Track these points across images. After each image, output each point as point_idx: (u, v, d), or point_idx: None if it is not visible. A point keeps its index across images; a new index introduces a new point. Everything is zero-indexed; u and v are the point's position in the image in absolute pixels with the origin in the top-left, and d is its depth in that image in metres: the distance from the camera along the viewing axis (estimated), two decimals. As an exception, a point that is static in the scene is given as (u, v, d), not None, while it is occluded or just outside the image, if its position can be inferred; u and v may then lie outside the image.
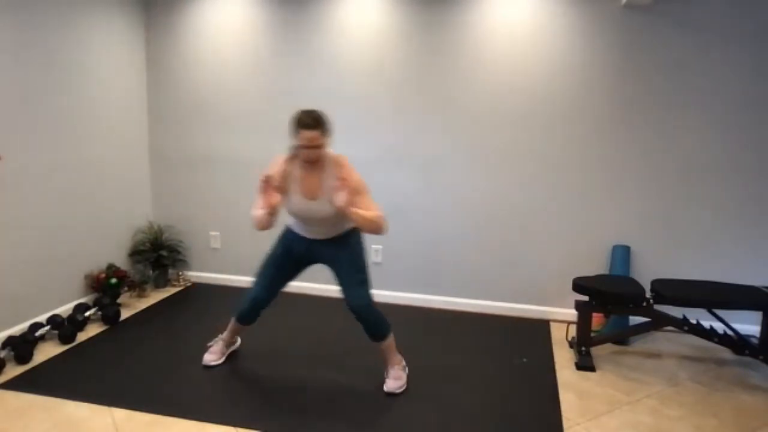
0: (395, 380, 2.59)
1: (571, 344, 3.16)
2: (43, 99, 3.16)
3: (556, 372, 2.83)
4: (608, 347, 3.17)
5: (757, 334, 3.02)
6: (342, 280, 2.53)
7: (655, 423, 2.37)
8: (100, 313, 3.31)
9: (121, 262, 3.86)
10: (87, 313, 3.25)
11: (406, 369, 2.70)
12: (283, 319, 3.44)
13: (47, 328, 3.03)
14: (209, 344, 2.93)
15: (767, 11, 3.07)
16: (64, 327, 3.05)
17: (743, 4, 3.08)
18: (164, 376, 2.70)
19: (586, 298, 3.01)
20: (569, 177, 3.45)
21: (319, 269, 3.06)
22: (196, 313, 3.55)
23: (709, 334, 2.87)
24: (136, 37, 3.89)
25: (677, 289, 2.87)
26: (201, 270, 4.19)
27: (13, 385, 2.58)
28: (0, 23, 2.86)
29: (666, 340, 3.28)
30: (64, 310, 3.35)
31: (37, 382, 2.62)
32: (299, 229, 2.60)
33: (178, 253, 4.11)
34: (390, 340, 2.61)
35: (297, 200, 2.45)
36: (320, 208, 2.43)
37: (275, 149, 3.85)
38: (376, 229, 2.37)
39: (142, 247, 3.96)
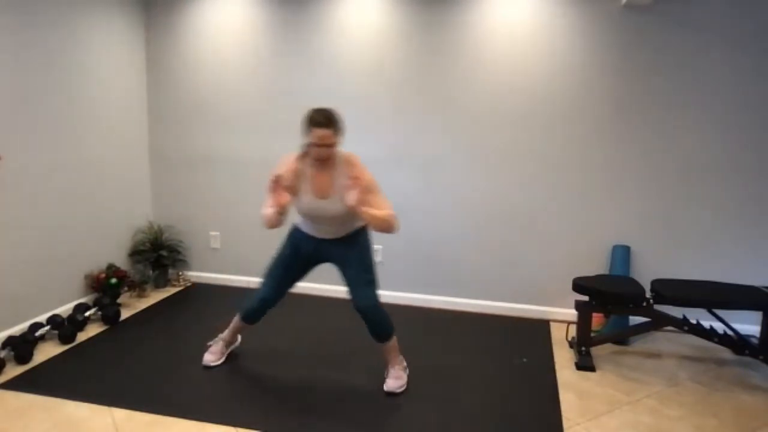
0: (396, 380, 2.59)
1: (571, 344, 3.16)
2: (43, 99, 3.16)
3: (556, 372, 2.83)
4: (608, 347, 3.17)
5: (757, 334, 3.02)
6: (349, 279, 2.52)
7: (655, 423, 2.37)
8: (100, 313, 3.31)
9: (121, 262, 3.86)
10: (87, 313, 3.25)
11: (407, 369, 2.70)
12: (283, 319, 3.43)
13: (47, 328, 3.03)
14: (209, 343, 2.93)
15: (767, 11, 3.07)
16: (64, 327, 3.05)
17: (743, 4, 3.08)
18: (164, 376, 2.70)
19: (586, 298, 3.01)
20: (569, 177, 3.45)
21: (320, 269, 3.05)
22: (196, 313, 3.55)
23: (709, 334, 2.87)
24: (136, 37, 3.89)
25: (677, 289, 2.87)
26: (201, 270, 4.19)
27: (13, 385, 2.58)
28: (0, 23, 2.86)
29: (666, 340, 3.28)
30: (64, 310, 3.35)
31: (37, 382, 2.62)
32: (308, 229, 2.59)
33: (178, 253, 4.11)
34: (393, 341, 2.61)
35: (307, 199, 2.44)
36: (330, 206, 2.42)
37: (275, 149, 3.85)
38: (388, 227, 2.37)
39: (142, 247, 3.96)
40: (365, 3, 3.57)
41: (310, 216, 2.49)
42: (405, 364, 2.71)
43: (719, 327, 3.05)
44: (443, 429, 2.29)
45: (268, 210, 2.37)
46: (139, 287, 3.77)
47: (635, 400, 2.57)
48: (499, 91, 3.45)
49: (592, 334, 3.01)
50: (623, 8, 3.22)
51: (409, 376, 2.69)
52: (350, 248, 2.54)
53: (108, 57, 3.63)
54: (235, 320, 2.80)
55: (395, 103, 3.62)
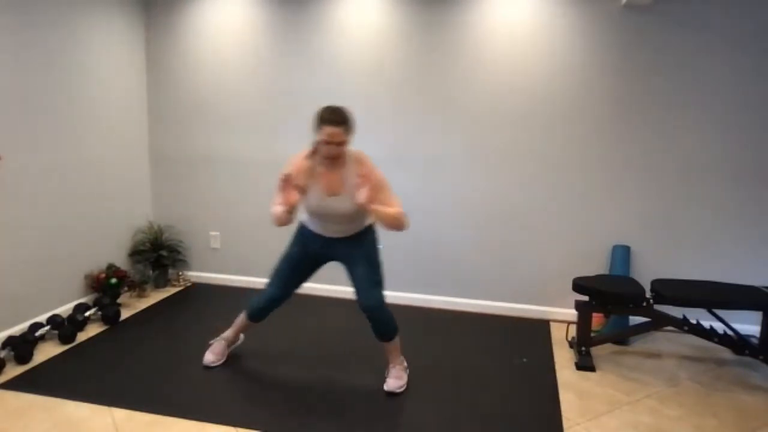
0: (396, 380, 2.59)
1: (571, 344, 3.16)
2: (43, 99, 3.16)
3: (556, 372, 2.83)
4: (608, 347, 3.17)
5: (757, 334, 3.02)
6: (356, 279, 2.52)
7: (655, 423, 2.37)
8: (100, 313, 3.31)
9: (121, 262, 3.86)
10: (87, 313, 3.25)
11: (407, 370, 2.71)
12: (284, 319, 3.43)
13: (47, 328, 3.03)
14: (211, 342, 2.92)
15: (767, 11, 3.07)
16: (64, 327, 3.05)
17: (743, 4, 3.08)
18: (164, 376, 2.70)
19: (586, 298, 3.01)
20: (569, 177, 3.45)
21: (321, 269, 3.05)
22: (196, 313, 3.55)
23: (709, 334, 2.87)
24: (136, 37, 3.89)
25: (677, 289, 2.87)
26: (201, 270, 4.19)
27: (13, 385, 2.58)
28: (0, 23, 2.86)
29: (666, 340, 3.28)
30: (64, 310, 3.35)
31: (37, 382, 2.62)
32: (315, 227, 2.58)
33: (178, 253, 4.11)
34: (396, 341, 2.62)
35: (316, 197, 2.43)
36: (339, 205, 2.42)
37: (275, 149, 3.86)
38: (398, 225, 2.37)
39: (142, 247, 3.96)
40: (365, 3, 3.57)
41: (318, 214, 2.48)
42: (405, 364, 2.71)
43: (719, 327, 3.05)
44: (443, 429, 2.29)
45: (278, 208, 2.36)
46: (139, 287, 3.77)
47: (635, 400, 2.57)
48: (499, 91, 3.45)
49: (592, 334, 3.01)
50: (623, 8, 3.22)
51: (409, 376, 2.69)
52: (357, 247, 2.54)
53: (108, 57, 3.63)
54: (241, 318, 2.79)
55: (395, 103, 3.62)
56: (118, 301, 3.60)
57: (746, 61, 3.12)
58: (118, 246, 3.84)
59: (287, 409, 2.42)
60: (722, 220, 3.28)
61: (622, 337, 3.13)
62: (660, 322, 2.90)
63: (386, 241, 3.77)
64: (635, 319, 3.20)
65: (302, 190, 2.41)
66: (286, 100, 3.79)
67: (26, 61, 3.03)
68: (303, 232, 2.65)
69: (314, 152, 2.45)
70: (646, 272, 3.40)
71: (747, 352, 2.83)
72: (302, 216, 2.64)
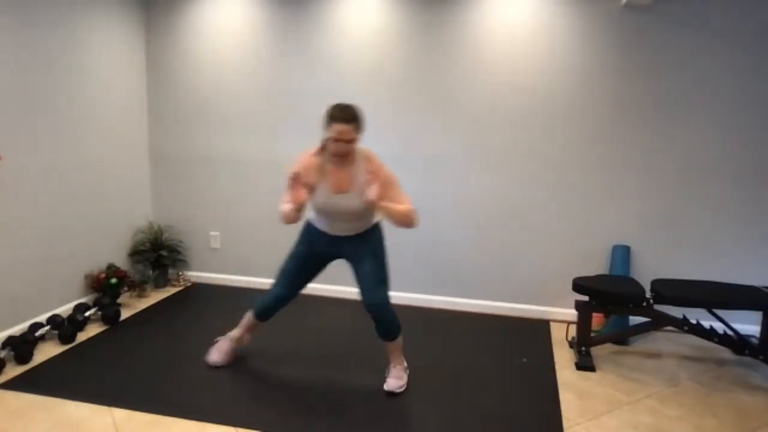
0: (397, 379, 2.59)
1: (571, 344, 3.16)
2: (43, 99, 3.16)
3: (556, 372, 2.83)
4: (608, 347, 3.17)
5: (757, 334, 3.02)
6: (361, 277, 2.51)
7: (655, 423, 2.37)
8: (100, 313, 3.31)
9: (121, 262, 3.86)
10: (87, 313, 3.25)
11: (407, 370, 2.70)
12: (284, 319, 3.43)
13: (47, 328, 3.03)
14: (218, 339, 2.90)
15: (767, 11, 3.07)
16: (64, 327, 3.05)
17: (743, 4, 3.08)
18: (164, 376, 2.70)
19: (586, 298, 3.01)
20: (569, 177, 3.45)
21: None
22: (196, 313, 3.55)
23: (709, 334, 2.87)
24: (136, 37, 3.89)
25: (677, 289, 2.87)
26: (201, 270, 4.19)
27: (13, 385, 2.58)
28: (0, 23, 2.86)
29: (666, 340, 3.28)
30: (64, 310, 3.35)
31: (37, 382, 2.62)
32: (322, 225, 2.57)
33: (178, 253, 4.11)
34: (399, 341, 2.62)
35: (324, 194, 2.42)
36: (347, 202, 2.41)
37: (275, 149, 3.86)
38: (408, 222, 2.36)
39: (142, 247, 3.96)
40: (365, 3, 3.57)
41: (326, 211, 2.47)
42: (406, 364, 2.71)
43: (719, 327, 3.05)
44: (443, 429, 2.29)
45: (285, 206, 2.35)
46: (139, 287, 3.77)
47: (635, 400, 2.57)
48: (499, 91, 3.45)
49: (592, 334, 3.01)
50: (623, 8, 3.22)
51: (409, 376, 2.69)
52: (364, 246, 2.54)
53: (108, 57, 3.63)
54: (247, 318, 2.78)
55: (395, 103, 3.62)
56: (118, 301, 3.60)
57: (746, 61, 3.12)
58: (118, 246, 3.84)
59: (287, 408, 2.42)
60: (722, 220, 3.28)
61: (622, 337, 3.13)
62: (660, 322, 2.90)
63: (386, 242, 3.77)
64: (635, 319, 3.20)
65: (310, 188, 2.40)
66: (286, 100, 3.79)
67: (26, 61, 3.03)
68: (309, 230, 2.64)
69: (323, 149, 2.43)
70: (646, 272, 3.40)
71: (747, 352, 2.83)
72: (309, 214, 2.63)
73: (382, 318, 2.49)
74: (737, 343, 2.85)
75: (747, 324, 3.24)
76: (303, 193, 2.30)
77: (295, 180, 2.30)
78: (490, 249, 3.63)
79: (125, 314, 3.49)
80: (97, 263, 3.63)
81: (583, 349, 2.93)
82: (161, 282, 4.02)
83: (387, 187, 2.34)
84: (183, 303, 3.75)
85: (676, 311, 3.23)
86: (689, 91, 3.22)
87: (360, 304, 2.46)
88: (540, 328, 3.44)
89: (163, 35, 3.94)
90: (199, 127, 3.99)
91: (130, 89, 3.87)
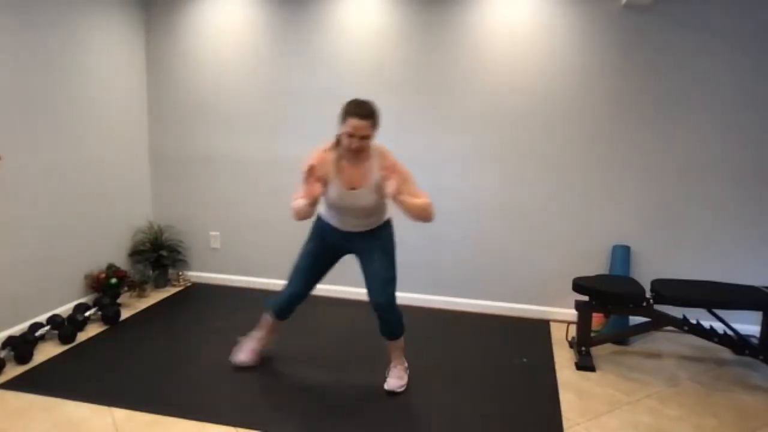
0: (397, 379, 2.59)
1: (571, 344, 3.16)
2: (43, 99, 3.16)
3: (556, 372, 2.83)
4: (608, 347, 3.17)
5: (757, 334, 3.02)
6: (369, 275, 2.50)
7: (655, 423, 2.37)
8: (100, 313, 3.31)
9: (121, 262, 3.86)
10: (87, 313, 3.25)
11: (408, 370, 2.70)
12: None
13: (47, 328, 3.03)
14: (240, 338, 2.89)
15: (767, 11, 3.07)
16: (64, 327, 3.05)
17: (743, 4, 3.08)
18: (164, 376, 2.70)
19: (586, 298, 3.01)
20: (569, 177, 3.45)
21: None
22: (196, 313, 3.55)
23: (709, 334, 2.87)
24: (136, 37, 3.89)
25: (677, 289, 2.87)
26: (201, 270, 4.19)
27: (13, 385, 2.58)
28: (0, 23, 2.86)
29: (666, 340, 3.28)
30: (64, 310, 3.35)
31: (37, 382, 2.62)
32: (333, 221, 2.56)
33: (178, 253, 4.11)
34: (401, 341, 2.62)
35: (337, 190, 2.41)
36: (361, 198, 2.41)
37: (275, 149, 3.86)
38: (426, 216, 2.36)
39: (142, 247, 3.96)
40: (365, 3, 3.57)
41: (338, 207, 2.46)
42: (407, 364, 2.71)
43: (719, 327, 3.05)
44: (443, 429, 2.29)
45: (299, 201, 2.33)
46: (139, 287, 3.77)
47: (635, 400, 2.57)
48: (499, 91, 3.45)
49: (592, 334, 3.01)
50: (623, 8, 3.22)
51: (409, 376, 2.69)
52: (374, 242, 2.53)
53: (108, 57, 3.63)
54: (266, 319, 2.77)
55: (395, 103, 3.62)
56: (118, 301, 3.60)
57: (746, 61, 3.12)
58: (118, 246, 3.84)
59: (287, 408, 2.42)
60: (722, 220, 3.28)
61: (622, 337, 3.13)
62: (660, 322, 2.90)
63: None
64: (635, 319, 3.19)
65: (324, 183, 2.39)
66: (286, 100, 3.79)
67: (26, 61, 3.03)
68: (320, 226, 2.63)
69: (337, 144, 2.42)
70: (646, 272, 3.40)
71: (747, 352, 2.83)
72: (320, 209, 2.62)
73: (388, 317, 2.49)
74: (737, 343, 2.85)
75: (747, 324, 3.24)
76: (317, 188, 2.27)
77: (310, 173, 2.27)
78: (490, 249, 3.63)
79: (125, 314, 3.49)
80: (97, 263, 3.63)
81: (583, 349, 2.93)
82: (161, 282, 4.02)
83: (403, 181, 2.34)
84: (183, 303, 3.74)
85: (676, 311, 3.22)
86: (689, 91, 3.22)
87: (360, 305, 2.47)
88: (540, 328, 3.44)
89: (163, 35, 3.94)
90: (199, 127, 3.99)
91: (130, 89, 3.87)
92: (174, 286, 4.08)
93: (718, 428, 2.35)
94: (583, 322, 2.93)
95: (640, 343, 3.23)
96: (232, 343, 2.95)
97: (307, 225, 2.69)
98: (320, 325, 3.38)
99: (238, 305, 3.69)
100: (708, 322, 3.08)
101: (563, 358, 3.00)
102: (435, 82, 3.53)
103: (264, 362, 2.85)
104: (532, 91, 3.41)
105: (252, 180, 3.95)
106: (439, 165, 3.61)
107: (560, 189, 3.47)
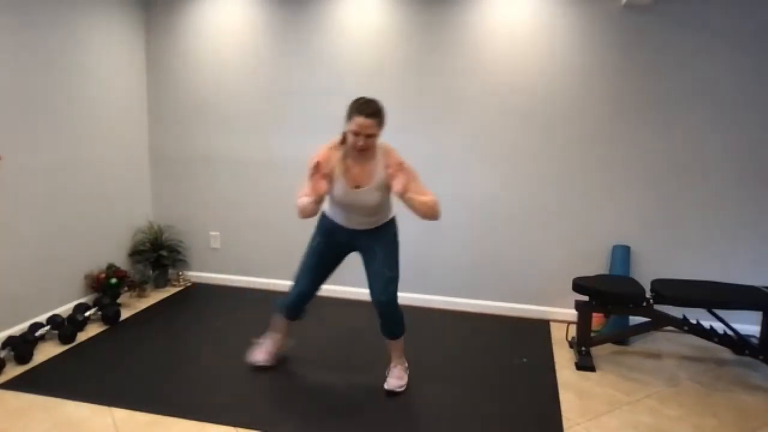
0: (397, 379, 2.59)
1: (571, 344, 3.16)
2: (43, 99, 3.16)
3: (556, 372, 2.83)
4: (608, 347, 3.17)
5: (757, 334, 3.02)
6: (372, 273, 2.51)
7: (655, 423, 2.37)
8: (100, 313, 3.31)
9: (121, 262, 3.86)
10: (87, 313, 3.25)
11: (407, 370, 2.70)
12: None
13: (47, 328, 3.03)
14: (257, 339, 2.89)
15: (767, 11, 3.07)
16: (64, 327, 3.05)
17: (743, 4, 3.08)
18: (164, 376, 2.70)
19: (586, 298, 3.01)
20: (569, 177, 3.45)
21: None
22: (196, 313, 3.55)
23: (709, 334, 2.87)
24: (136, 37, 3.89)
25: (677, 289, 2.87)
26: (201, 270, 4.19)
27: (13, 385, 2.58)
28: (0, 23, 2.86)
29: (666, 340, 3.28)
30: (64, 310, 3.35)
31: (37, 382, 2.62)
32: (338, 218, 2.56)
33: (178, 253, 4.11)
34: (401, 340, 2.62)
35: (342, 188, 2.41)
36: (365, 197, 2.41)
37: (275, 149, 3.86)
38: (433, 214, 2.38)
39: (142, 247, 3.96)
40: (365, 3, 3.57)
41: (343, 205, 2.46)
42: (407, 364, 2.71)
43: (719, 327, 3.05)
44: (443, 429, 2.29)
45: (304, 199, 2.33)
46: (139, 287, 3.77)
47: (635, 400, 2.57)
48: (499, 91, 3.45)
49: (592, 334, 3.01)
50: (623, 8, 3.22)
51: (409, 376, 2.69)
52: (378, 241, 2.54)
53: (108, 57, 3.63)
54: (277, 321, 2.76)
55: (395, 103, 3.61)
56: (118, 301, 3.60)
57: (746, 61, 3.12)
58: (118, 246, 3.84)
59: (287, 408, 2.42)
60: (722, 220, 3.28)
61: (622, 337, 3.13)
62: (660, 322, 2.90)
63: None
64: (635, 319, 3.19)
65: (330, 180, 2.39)
66: (286, 100, 3.79)
67: (26, 61, 3.03)
68: (325, 223, 2.63)
69: (342, 142, 2.41)
70: (646, 272, 3.40)
71: (747, 352, 2.83)
72: (324, 207, 2.62)
73: (389, 316, 2.50)
74: (737, 343, 2.85)
75: (747, 324, 3.23)
76: (323, 185, 2.27)
77: (316, 170, 2.26)
78: (490, 249, 3.63)
79: (125, 314, 3.49)
80: (97, 263, 3.63)
81: (583, 349, 2.93)
82: (161, 282, 4.02)
83: (410, 179, 2.34)
84: (183, 303, 3.75)
85: (676, 311, 3.22)
86: (689, 91, 3.22)
87: (360, 305, 2.47)
88: (540, 328, 3.44)
89: (163, 35, 3.94)
90: (199, 127, 3.99)
91: (130, 89, 3.87)
92: (174, 286, 4.08)
93: (718, 428, 2.35)
94: (583, 322, 2.93)
95: (640, 343, 3.23)
96: (232, 343, 2.95)
97: (308, 225, 2.69)
98: (320, 325, 3.38)
99: (238, 305, 3.69)
100: (708, 322, 3.08)
101: (563, 358, 3.00)
102: (435, 82, 3.53)
103: (279, 363, 2.84)
104: (532, 91, 3.41)
105: (252, 180, 3.95)
106: (439, 165, 3.60)
107: (560, 189, 3.47)
